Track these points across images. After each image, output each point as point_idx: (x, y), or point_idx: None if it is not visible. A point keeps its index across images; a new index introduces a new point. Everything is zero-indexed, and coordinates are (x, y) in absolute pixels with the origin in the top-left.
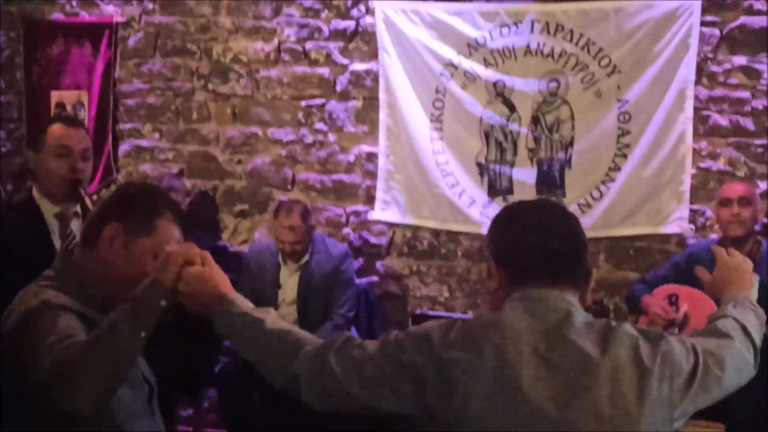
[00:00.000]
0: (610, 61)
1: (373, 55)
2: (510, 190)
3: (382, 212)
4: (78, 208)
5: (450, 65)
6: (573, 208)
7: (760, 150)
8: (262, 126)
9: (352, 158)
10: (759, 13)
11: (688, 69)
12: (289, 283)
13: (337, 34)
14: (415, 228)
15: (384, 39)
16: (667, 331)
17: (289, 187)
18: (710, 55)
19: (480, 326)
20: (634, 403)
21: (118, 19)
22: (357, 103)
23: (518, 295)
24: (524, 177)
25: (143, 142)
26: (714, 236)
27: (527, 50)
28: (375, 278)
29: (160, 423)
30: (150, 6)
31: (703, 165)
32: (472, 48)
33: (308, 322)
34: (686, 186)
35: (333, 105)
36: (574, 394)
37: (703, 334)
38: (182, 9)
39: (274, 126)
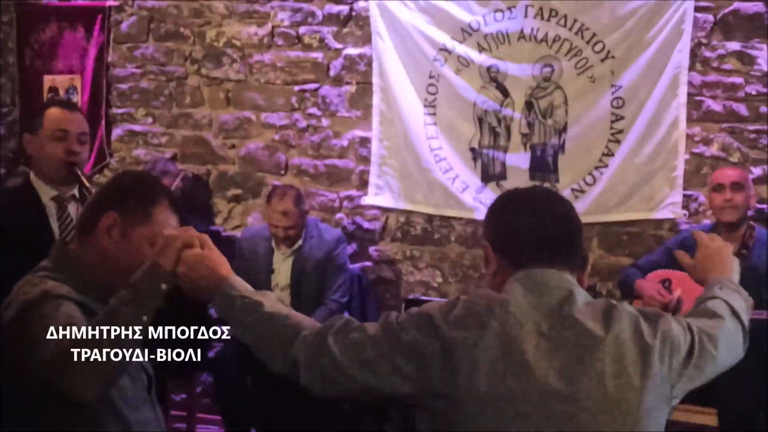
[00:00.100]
0: (604, 46)
1: (367, 39)
2: (503, 176)
3: (376, 197)
4: (75, 192)
5: (444, 50)
6: (566, 193)
7: (753, 135)
8: (256, 111)
9: (345, 143)
10: None
11: (681, 54)
12: (283, 268)
13: (330, 19)
14: (408, 213)
15: (378, 24)
16: None
17: (283, 171)
18: (704, 41)
19: (483, 304)
20: (637, 379)
21: (111, 3)
22: (350, 88)
23: (518, 276)
24: (518, 162)
25: (136, 127)
26: (707, 222)
27: (521, 35)
28: (368, 263)
29: (159, 413)
30: None
31: (696, 150)
32: (465, 33)
33: (301, 307)
34: (679, 171)
35: (326, 90)
36: (580, 370)
37: (694, 314)
38: None
39: (267, 111)
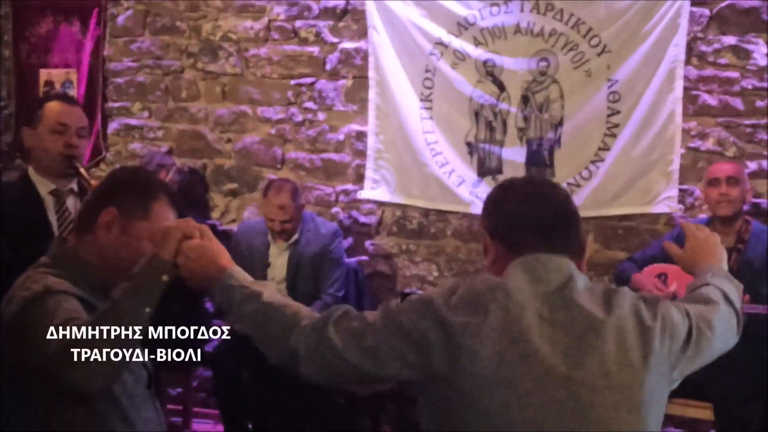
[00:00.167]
0: (600, 40)
1: (363, 33)
2: (499, 170)
3: (372, 191)
4: (74, 185)
5: (440, 44)
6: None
7: (749, 130)
8: (252, 105)
9: (341, 137)
10: None
11: (677, 49)
12: (279, 261)
13: (326, 13)
14: (404, 207)
15: (374, 17)
16: None
17: (279, 165)
18: (700, 35)
19: (485, 289)
20: (639, 361)
21: None
22: (346, 82)
23: (518, 261)
24: (514, 156)
25: (132, 121)
26: (703, 216)
27: (517, 29)
28: (364, 257)
29: (159, 410)
30: None
31: (692, 145)
32: (462, 27)
33: (297, 301)
34: (675, 166)
35: (322, 84)
36: (583, 352)
37: (689, 300)
38: None
39: (263, 105)
